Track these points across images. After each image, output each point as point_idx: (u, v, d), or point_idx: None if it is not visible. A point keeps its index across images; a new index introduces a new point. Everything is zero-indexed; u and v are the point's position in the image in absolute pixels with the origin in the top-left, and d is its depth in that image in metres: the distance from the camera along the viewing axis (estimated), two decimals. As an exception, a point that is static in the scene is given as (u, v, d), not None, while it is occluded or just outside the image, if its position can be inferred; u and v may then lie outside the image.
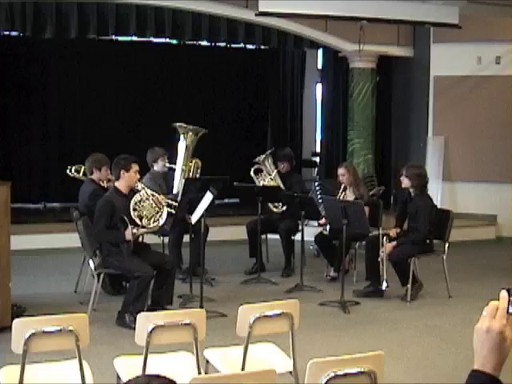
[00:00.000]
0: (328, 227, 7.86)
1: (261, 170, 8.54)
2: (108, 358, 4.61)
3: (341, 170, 8.09)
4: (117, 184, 6.53)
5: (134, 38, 10.48)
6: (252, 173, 8.51)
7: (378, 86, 11.19)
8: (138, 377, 1.49)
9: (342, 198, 7.89)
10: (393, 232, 7.44)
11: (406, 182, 7.37)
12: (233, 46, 11.42)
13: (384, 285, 7.09)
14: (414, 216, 7.33)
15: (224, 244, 9.53)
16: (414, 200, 7.36)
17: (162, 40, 10.70)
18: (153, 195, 6.65)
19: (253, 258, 8.34)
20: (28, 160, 11.44)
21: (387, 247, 7.22)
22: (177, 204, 6.93)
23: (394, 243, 7.25)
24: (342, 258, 7.34)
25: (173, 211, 6.96)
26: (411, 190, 7.39)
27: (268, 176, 8.48)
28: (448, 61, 10.96)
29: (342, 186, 8.04)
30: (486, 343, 1.67)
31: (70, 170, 7.98)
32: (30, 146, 11.48)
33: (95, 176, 7.29)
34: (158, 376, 1.50)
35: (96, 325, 6.00)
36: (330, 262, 8.17)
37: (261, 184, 8.41)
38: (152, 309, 6.05)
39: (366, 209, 7.54)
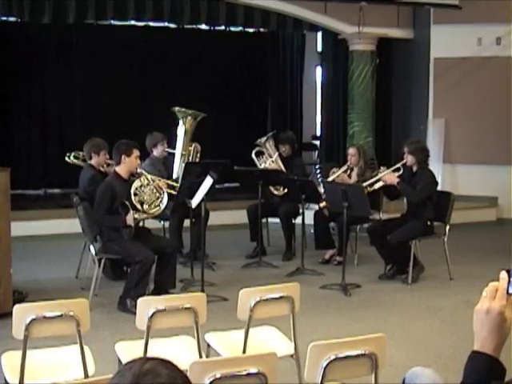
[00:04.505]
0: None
1: (262, 153, 8.51)
2: (109, 342, 4.62)
3: (351, 150, 8.03)
4: (117, 169, 6.52)
5: (133, 23, 10.44)
6: (253, 155, 8.49)
7: (377, 68, 11.13)
8: (134, 360, 1.48)
9: (347, 175, 7.88)
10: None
11: (410, 159, 7.25)
12: (232, 29, 11.37)
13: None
14: (415, 186, 7.21)
15: (225, 228, 9.53)
16: (418, 173, 7.26)
17: (161, 24, 10.65)
18: (153, 180, 6.65)
19: (254, 241, 8.33)
20: (28, 146, 11.40)
21: (390, 176, 7.17)
22: (177, 186, 6.92)
23: (398, 180, 7.16)
24: (343, 241, 7.34)
25: (174, 192, 6.94)
26: (414, 167, 7.31)
27: (269, 158, 8.45)
28: (448, 42, 10.88)
29: (345, 167, 7.99)
30: (485, 324, 1.66)
31: (69, 157, 7.96)
32: (29, 132, 11.43)
33: (94, 161, 7.26)
34: (153, 358, 1.50)
35: (97, 310, 6.03)
36: (317, 243, 8.07)
37: (262, 166, 8.39)
38: (156, 293, 6.05)
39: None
